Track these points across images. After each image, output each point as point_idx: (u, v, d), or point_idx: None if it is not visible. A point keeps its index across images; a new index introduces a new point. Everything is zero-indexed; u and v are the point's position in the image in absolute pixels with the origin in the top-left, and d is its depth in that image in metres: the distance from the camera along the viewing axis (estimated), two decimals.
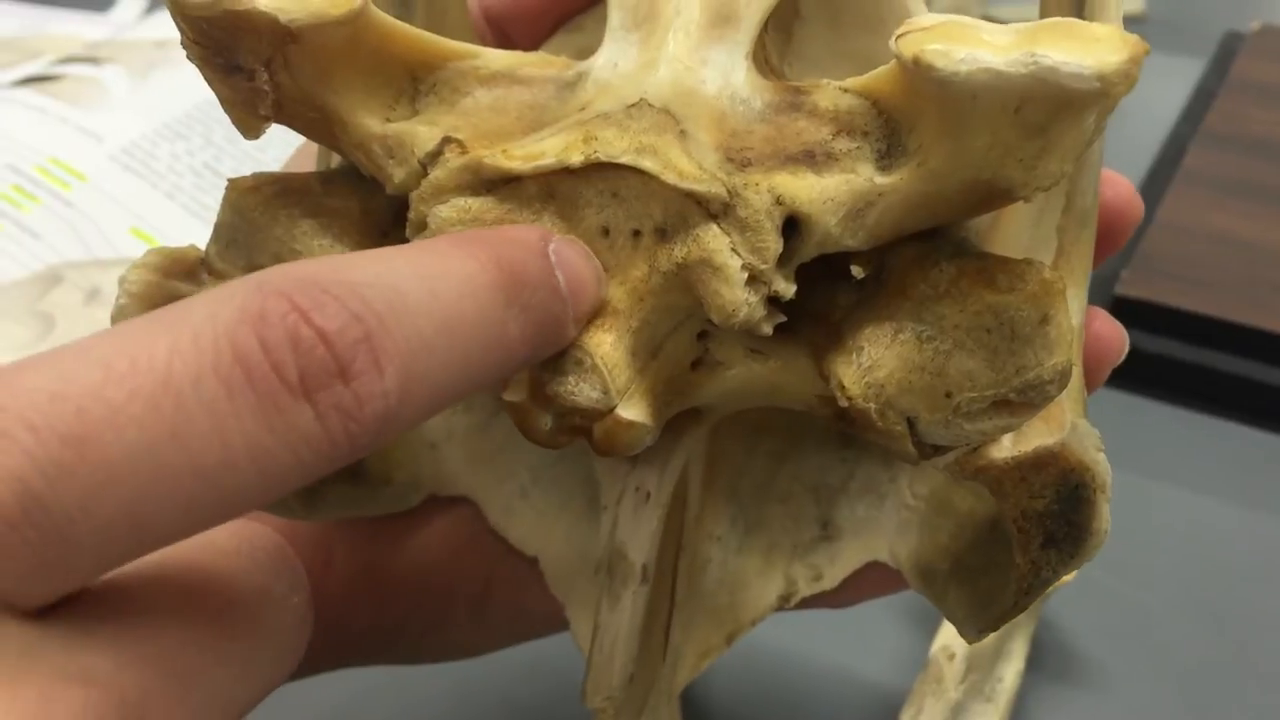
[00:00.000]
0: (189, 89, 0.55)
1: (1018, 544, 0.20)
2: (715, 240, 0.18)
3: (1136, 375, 0.47)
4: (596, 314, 0.19)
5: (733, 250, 0.18)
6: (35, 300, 0.46)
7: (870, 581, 0.25)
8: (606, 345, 0.19)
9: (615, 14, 0.21)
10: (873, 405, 0.19)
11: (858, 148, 0.18)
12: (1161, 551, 0.41)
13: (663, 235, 0.18)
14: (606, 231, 0.19)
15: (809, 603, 0.26)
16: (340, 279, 0.15)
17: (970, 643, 0.23)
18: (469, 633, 0.27)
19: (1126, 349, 0.24)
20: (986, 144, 0.17)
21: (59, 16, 0.71)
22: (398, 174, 0.19)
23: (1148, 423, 0.46)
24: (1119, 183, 0.24)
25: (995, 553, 0.22)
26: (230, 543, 0.16)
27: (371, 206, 0.21)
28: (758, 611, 0.26)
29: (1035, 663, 0.36)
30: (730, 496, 0.26)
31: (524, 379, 0.19)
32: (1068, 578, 0.35)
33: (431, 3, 0.25)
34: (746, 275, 0.18)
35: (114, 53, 0.57)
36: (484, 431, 0.26)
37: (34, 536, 0.13)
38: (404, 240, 0.20)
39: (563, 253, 0.18)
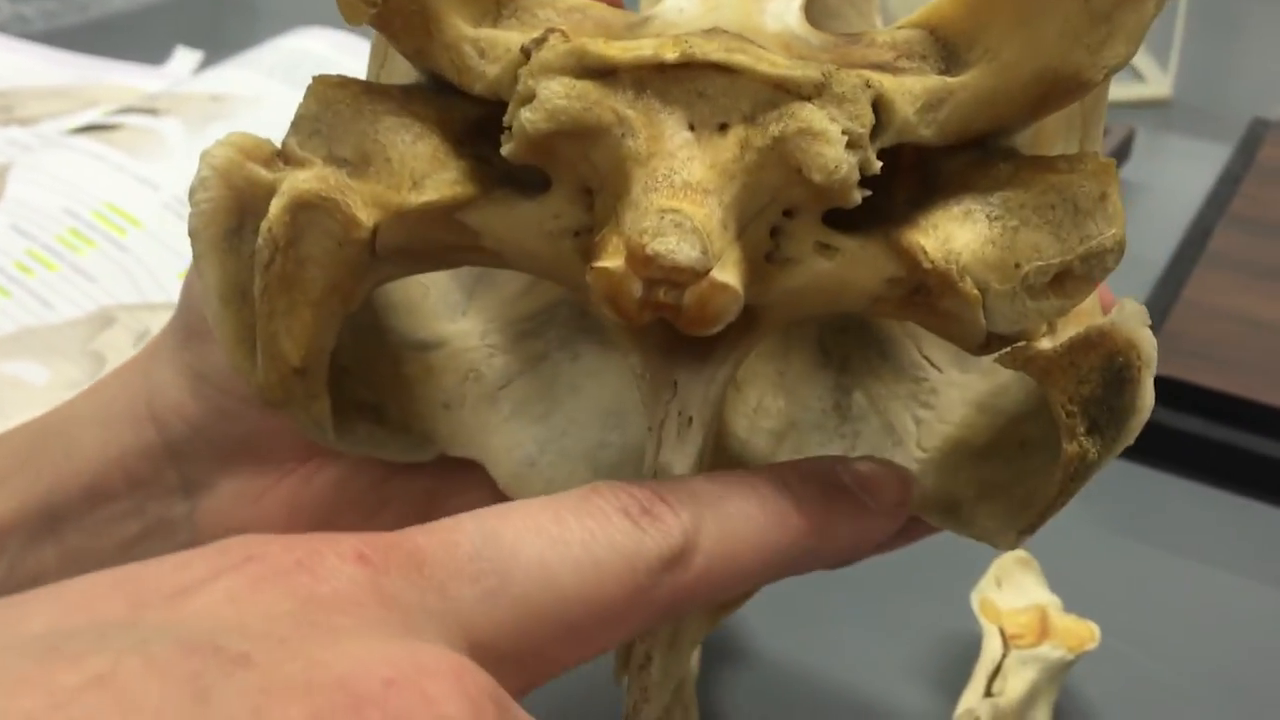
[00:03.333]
0: None
1: (1065, 430, 0.21)
2: (813, 113, 0.19)
3: (1161, 451, 0.48)
4: (686, 191, 0.20)
5: (831, 119, 0.19)
6: (88, 340, 0.47)
7: None
8: (702, 214, 0.20)
9: None
10: (954, 267, 0.20)
11: (918, 67, 0.21)
12: (1184, 626, 0.41)
13: (752, 122, 0.20)
14: (692, 127, 0.20)
15: None
16: (678, 488, 0.21)
17: (1009, 548, 0.24)
18: None
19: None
20: (1058, 31, 0.19)
21: (115, 68, 0.73)
22: (491, 70, 0.21)
23: (1172, 499, 0.47)
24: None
25: (1026, 462, 0.24)
26: None
27: (446, 118, 0.22)
28: None
29: None
30: (735, 468, 0.26)
31: (620, 245, 0.20)
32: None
33: None
34: (846, 139, 0.19)
35: (171, 105, 0.59)
36: (492, 403, 0.27)
37: None
38: (480, 150, 0.21)
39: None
